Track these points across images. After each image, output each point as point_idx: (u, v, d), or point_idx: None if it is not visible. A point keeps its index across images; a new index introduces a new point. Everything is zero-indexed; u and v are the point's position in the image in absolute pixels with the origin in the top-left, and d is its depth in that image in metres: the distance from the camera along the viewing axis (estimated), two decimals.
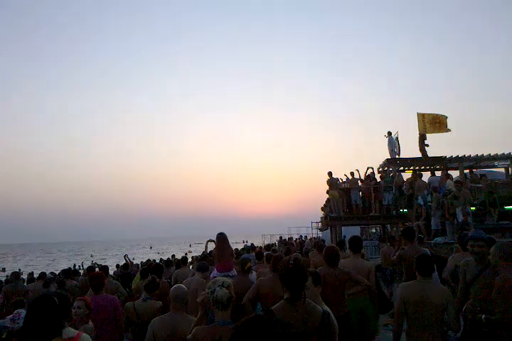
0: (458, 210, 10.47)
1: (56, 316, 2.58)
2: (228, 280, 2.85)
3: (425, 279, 3.59)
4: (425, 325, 3.46)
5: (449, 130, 16.39)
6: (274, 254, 6.39)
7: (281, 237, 27.47)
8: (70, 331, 2.67)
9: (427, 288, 3.52)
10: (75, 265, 38.16)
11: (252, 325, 1.24)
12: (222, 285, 2.73)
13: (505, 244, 3.67)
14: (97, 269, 10.82)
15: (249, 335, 1.22)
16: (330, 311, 2.95)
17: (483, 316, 3.44)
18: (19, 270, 31.64)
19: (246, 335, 1.22)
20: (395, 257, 5.77)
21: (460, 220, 10.35)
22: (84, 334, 2.74)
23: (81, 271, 14.14)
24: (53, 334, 2.53)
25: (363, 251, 6.90)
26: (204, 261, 7.58)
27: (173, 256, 19.96)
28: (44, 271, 11.74)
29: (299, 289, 2.74)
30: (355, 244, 5.21)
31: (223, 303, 2.71)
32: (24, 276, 15.09)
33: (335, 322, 2.86)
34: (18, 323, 4.25)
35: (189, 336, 2.81)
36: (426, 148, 16.21)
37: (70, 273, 10.43)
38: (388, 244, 10.87)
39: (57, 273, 16.45)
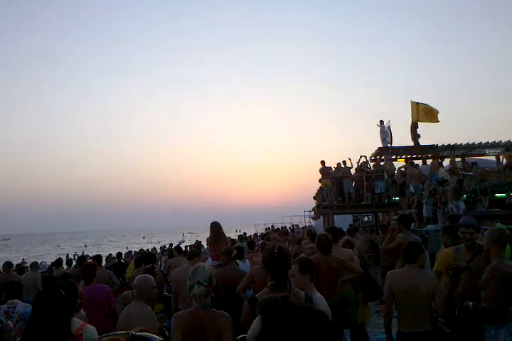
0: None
1: (63, 310, 2.51)
2: (208, 270, 2.83)
3: (412, 266, 3.63)
4: (414, 311, 3.50)
5: (438, 121, 16.56)
6: (267, 243, 6.41)
7: (272, 226, 27.58)
8: (75, 322, 2.64)
9: (414, 275, 3.56)
10: (67, 255, 38.16)
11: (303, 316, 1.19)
12: (200, 283, 2.72)
13: (497, 230, 3.71)
14: (90, 260, 10.82)
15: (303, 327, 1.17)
16: (317, 297, 2.99)
17: (471, 303, 3.48)
18: (23, 260, 31.32)
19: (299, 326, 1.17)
20: (393, 244, 5.73)
21: (463, 209, 10.48)
22: (88, 325, 2.70)
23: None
24: (62, 329, 2.47)
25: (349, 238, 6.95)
26: (195, 248, 7.59)
27: (171, 244, 19.94)
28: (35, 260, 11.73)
29: (282, 277, 2.79)
30: (332, 234, 5.24)
31: (200, 298, 2.72)
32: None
33: (322, 306, 2.89)
34: (12, 317, 3.97)
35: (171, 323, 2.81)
36: (418, 137, 16.35)
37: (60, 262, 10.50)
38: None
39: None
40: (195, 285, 2.72)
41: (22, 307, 4.10)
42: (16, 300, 4.22)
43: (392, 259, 7.47)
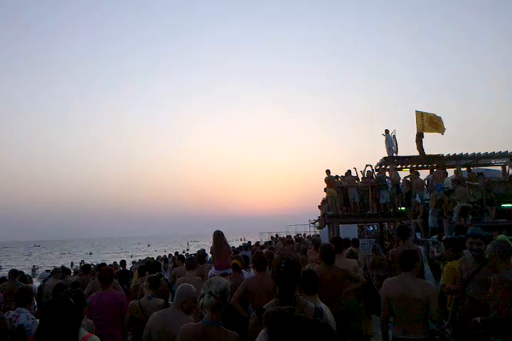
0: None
1: (73, 319, 2.52)
2: (223, 283, 2.79)
3: (406, 274, 3.67)
4: (409, 318, 3.54)
5: (443, 131, 16.49)
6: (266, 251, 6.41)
7: (277, 235, 27.44)
8: (81, 331, 2.64)
9: (409, 283, 3.60)
10: (72, 263, 38.21)
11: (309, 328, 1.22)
12: (212, 294, 2.68)
13: (498, 243, 3.73)
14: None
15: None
16: (324, 308, 2.96)
17: (479, 319, 3.47)
18: (33, 266, 31.32)
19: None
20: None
21: (469, 219, 10.42)
22: (93, 336, 2.70)
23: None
24: (71, 338, 2.48)
25: (354, 249, 6.93)
26: (193, 257, 7.50)
27: (176, 253, 19.90)
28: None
29: (289, 291, 2.76)
30: (336, 244, 5.29)
31: (209, 310, 2.69)
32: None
33: (329, 318, 2.87)
34: (13, 326, 3.96)
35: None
36: (423, 146, 16.32)
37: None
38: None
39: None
40: (206, 295, 2.68)
41: (24, 318, 4.05)
42: (23, 310, 4.17)
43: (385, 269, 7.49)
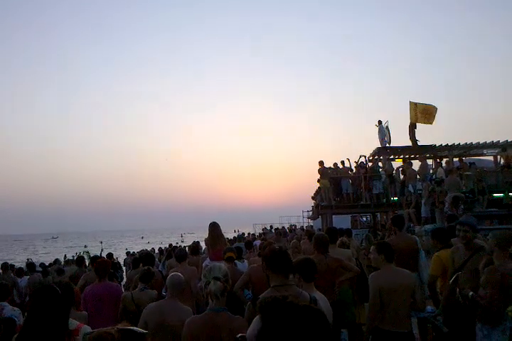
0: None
1: (60, 307, 2.49)
2: (224, 268, 2.80)
3: (390, 265, 3.72)
4: (396, 310, 3.59)
5: (431, 123, 16.50)
6: (265, 242, 6.42)
7: (271, 226, 27.51)
8: (72, 322, 2.64)
9: (397, 274, 3.68)
10: (65, 256, 38.06)
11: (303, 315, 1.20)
12: (218, 279, 2.66)
13: (502, 233, 3.72)
14: (87, 261, 10.84)
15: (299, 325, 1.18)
16: (318, 297, 2.96)
17: (471, 293, 3.53)
18: (28, 260, 31.05)
19: (296, 325, 1.18)
20: None
21: (461, 208, 10.49)
22: (85, 326, 2.72)
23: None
24: (60, 325, 2.47)
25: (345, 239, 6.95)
26: (181, 249, 7.48)
27: (170, 245, 19.96)
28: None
29: (286, 274, 2.77)
30: (331, 234, 5.30)
31: (217, 296, 2.67)
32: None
33: (323, 306, 2.88)
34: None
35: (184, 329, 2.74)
36: (416, 136, 16.37)
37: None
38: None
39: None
40: (212, 281, 2.64)
41: (9, 310, 4.33)
42: (4, 303, 4.41)
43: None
